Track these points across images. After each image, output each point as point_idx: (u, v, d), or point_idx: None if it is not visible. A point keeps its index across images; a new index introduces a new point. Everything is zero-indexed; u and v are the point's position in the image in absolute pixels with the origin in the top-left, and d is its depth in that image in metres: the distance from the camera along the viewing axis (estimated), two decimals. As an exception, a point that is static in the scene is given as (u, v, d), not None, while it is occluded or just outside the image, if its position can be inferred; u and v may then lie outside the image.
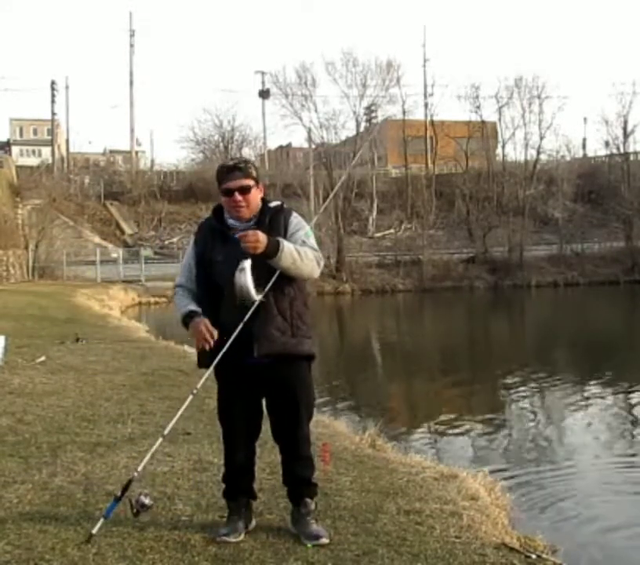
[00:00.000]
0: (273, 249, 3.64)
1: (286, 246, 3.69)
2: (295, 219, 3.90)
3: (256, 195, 3.84)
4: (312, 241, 3.88)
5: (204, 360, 3.83)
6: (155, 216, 52.04)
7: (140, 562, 3.53)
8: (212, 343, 3.69)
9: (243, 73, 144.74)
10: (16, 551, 3.62)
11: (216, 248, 3.84)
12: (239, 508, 3.92)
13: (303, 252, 3.74)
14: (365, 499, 4.55)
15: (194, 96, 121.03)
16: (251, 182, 3.80)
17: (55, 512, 4.18)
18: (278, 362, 3.76)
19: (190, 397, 3.86)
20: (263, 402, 3.94)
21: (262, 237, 3.62)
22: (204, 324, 3.72)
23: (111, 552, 3.60)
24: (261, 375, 3.78)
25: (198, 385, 3.81)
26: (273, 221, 3.84)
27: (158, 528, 3.90)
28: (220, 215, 3.92)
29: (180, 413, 3.86)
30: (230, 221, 3.88)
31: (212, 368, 3.77)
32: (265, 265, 3.67)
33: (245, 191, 3.78)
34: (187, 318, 3.79)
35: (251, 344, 3.70)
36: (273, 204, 3.92)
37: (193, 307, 3.83)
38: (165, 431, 3.90)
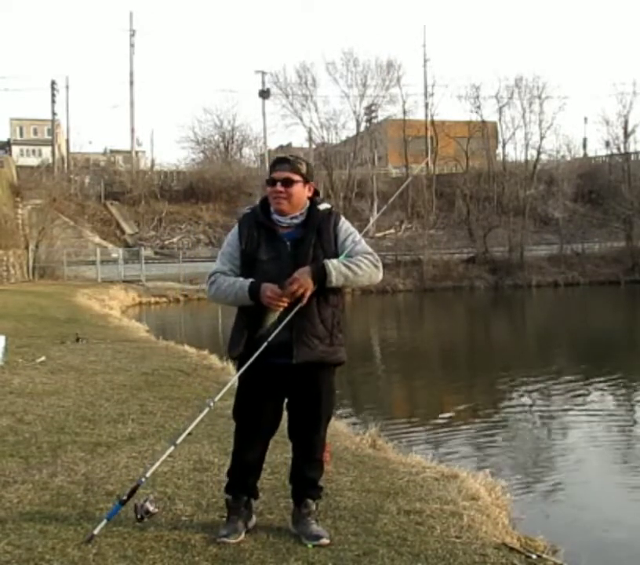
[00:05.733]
0: (320, 278, 3.65)
1: (333, 268, 3.68)
2: (344, 224, 3.87)
3: (299, 191, 3.81)
4: (364, 244, 3.85)
5: (236, 350, 3.77)
6: (155, 216, 52.00)
7: (141, 562, 3.52)
8: (287, 304, 3.63)
9: (243, 73, 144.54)
10: (17, 551, 3.60)
11: (261, 246, 3.80)
12: (239, 507, 3.89)
13: (354, 264, 3.73)
14: (366, 499, 4.54)
15: (194, 96, 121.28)
16: (296, 176, 3.79)
17: (55, 512, 4.17)
18: (310, 365, 3.74)
19: (207, 409, 3.83)
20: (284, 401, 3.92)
21: (305, 280, 3.61)
22: (271, 289, 3.62)
23: (112, 552, 3.59)
24: (289, 375, 3.76)
25: (216, 398, 3.79)
26: (322, 228, 3.81)
27: (158, 528, 3.89)
28: (266, 208, 3.87)
29: (194, 423, 3.85)
30: (275, 216, 3.85)
31: (236, 377, 3.77)
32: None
33: (287, 183, 3.77)
34: (254, 286, 3.66)
35: (289, 347, 3.68)
36: (322, 207, 3.87)
37: (250, 279, 3.71)
38: (178, 441, 3.89)
